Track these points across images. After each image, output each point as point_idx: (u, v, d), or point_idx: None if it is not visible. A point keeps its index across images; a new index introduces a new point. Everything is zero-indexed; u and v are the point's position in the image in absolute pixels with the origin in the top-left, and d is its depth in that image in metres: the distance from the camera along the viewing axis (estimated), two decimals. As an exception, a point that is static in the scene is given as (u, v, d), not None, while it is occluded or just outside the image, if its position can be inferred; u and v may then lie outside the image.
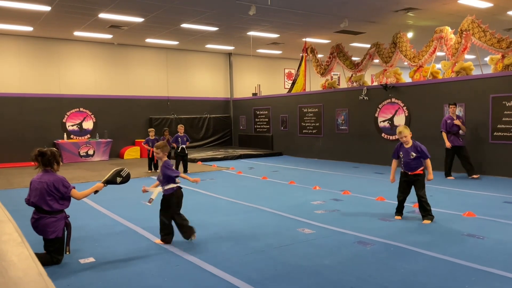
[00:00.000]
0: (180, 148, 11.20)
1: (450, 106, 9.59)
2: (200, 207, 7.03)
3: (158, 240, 5.07)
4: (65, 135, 15.31)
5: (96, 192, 4.56)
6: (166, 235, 5.01)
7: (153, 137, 11.69)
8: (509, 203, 6.95)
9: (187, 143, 11.39)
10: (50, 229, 4.27)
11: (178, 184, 5.09)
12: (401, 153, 5.99)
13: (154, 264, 4.31)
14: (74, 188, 4.41)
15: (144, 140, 12.46)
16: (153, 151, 11.43)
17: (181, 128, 11.46)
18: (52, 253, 4.30)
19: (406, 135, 5.95)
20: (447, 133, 9.50)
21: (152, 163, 11.63)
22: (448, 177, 9.50)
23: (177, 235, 5.09)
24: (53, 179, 4.27)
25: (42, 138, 14.74)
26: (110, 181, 4.65)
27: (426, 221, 5.76)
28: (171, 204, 5.00)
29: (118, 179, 4.69)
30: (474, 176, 9.39)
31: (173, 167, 5.16)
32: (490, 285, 3.64)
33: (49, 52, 15.25)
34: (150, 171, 11.62)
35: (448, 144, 9.39)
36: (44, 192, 4.23)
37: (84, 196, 4.50)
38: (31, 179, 4.37)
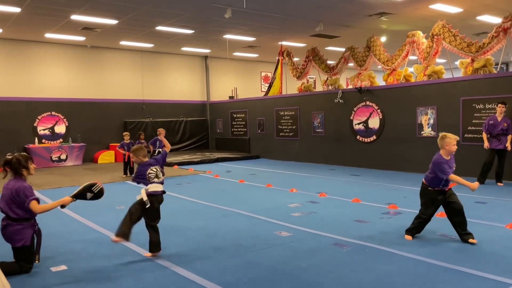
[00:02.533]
0: (157, 151, 11.09)
1: (499, 105, 8.67)
2: (176, 212, 6.95)
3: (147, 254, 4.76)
4: (36, 140, 14.90)
5: (62, 206, 4.34)
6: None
7: (128, 141, 11.51)
8: (480, 203, 7.14)
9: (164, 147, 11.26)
10: (17, 237, 4.13)
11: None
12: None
13: (128, 271, 4.23)
14: (35, 200, 4.13)
15: (119, 144, 12.23)
16: (129, 155, 11.30)
17: (161, 132, 11.31)
18: (21, 261, 4.16)
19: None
20: (488, 134, 8.86)
21: (128, 167, 11.44)
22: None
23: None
24: (17, 186, 4.10)
25: (12, 143, 14.28)
26: (79, 196, 4.41)
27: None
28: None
29: (89, 195, 4.42)
30: (499, 183, 8.87)
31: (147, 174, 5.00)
32: (462, 285, 3.72)
33: (20, 55, 14.82)
34: (125, 175, 11.43)
35: (486, 145, 8.79)
36: (9, 199, 4.09)
37: (45, 210, 4.20)
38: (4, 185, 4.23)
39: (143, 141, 11.75)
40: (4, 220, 4.17)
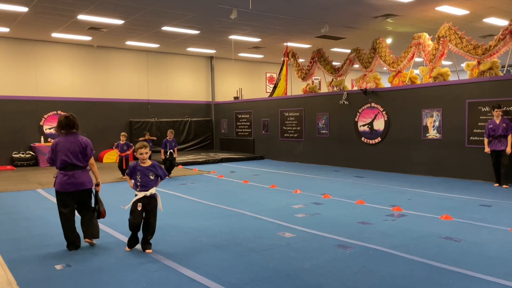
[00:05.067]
0: (168, 153, 11.14)
1: (495, 110, 8.92)
2: (180, 212, 6.96)
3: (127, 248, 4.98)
4: (42, 138, 14.99)
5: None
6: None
7: (124, 142, 11.21)
8: (485, 206, 7.10)
9: (175, 148, 11.37)
10: (89, 180, 4.98)
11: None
12: None
13: (132, 270, 4.24)
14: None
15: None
16: (123, 156, 11.02)
17: (170, 134, 11.39)
18: (90, 208, 5.01)
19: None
20: (489, 138, 9.00)
21: (122, 168, 11.11)
22: (495, 184, 9.02)
23: (157, 241, 5.01)
24: (84, 140, 5.01)
25: (18, 141, 14.42)
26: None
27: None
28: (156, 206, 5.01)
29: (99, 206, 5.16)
30: (496, 184, 9.02)
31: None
32: (467, 287, 3.70)
33: (26, 54, 14.93)
34: (124, 176, 11.35)
35: (486, 149, 9.03)
36: (77, 150, 4.90)
37: (93, 169, 5.24)
38: (56, 142, 4.88)
39: (148, 137, 11.79)
40: (69, 170, 4.82)
